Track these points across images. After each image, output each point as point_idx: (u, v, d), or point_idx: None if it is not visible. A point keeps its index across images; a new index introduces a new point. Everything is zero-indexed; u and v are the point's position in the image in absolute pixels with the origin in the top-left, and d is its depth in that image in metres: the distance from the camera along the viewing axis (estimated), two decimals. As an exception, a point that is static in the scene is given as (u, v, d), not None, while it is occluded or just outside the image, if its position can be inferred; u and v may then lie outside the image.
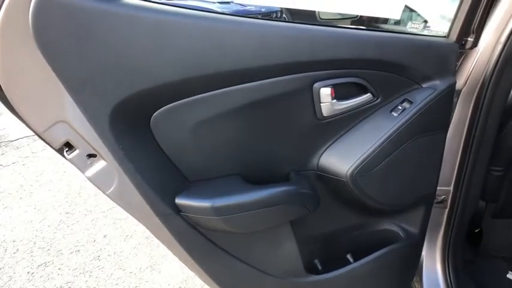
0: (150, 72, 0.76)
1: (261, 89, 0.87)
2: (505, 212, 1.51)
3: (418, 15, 2.20)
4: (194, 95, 0.83)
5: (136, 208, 0.87)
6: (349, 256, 1.16)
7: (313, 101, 0.93)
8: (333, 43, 0.89)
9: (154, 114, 0.82)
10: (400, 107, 0.99)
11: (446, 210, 1.35)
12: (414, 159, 1.05)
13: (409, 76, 1.00)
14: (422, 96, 1.00)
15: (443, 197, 1.33)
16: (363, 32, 0.94)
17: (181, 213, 0.87)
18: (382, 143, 0.97)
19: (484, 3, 0.98)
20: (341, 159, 0.99)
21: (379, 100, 0.99)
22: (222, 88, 0.84)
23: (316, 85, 0.91)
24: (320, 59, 0.89)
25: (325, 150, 1.01)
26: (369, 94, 0.97)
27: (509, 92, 1.19)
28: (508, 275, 1.58)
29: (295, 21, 0.87)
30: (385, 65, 0.95)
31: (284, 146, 0.98)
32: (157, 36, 0.75)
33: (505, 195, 1.44)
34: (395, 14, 0.98)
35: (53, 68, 0.69)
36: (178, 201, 0.86)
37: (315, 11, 1.87)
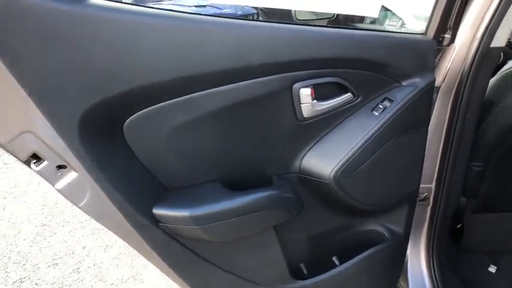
0: (121, 76, 0.72)
1: (239, 91, 0.84)
2: (485, 207, 1.53)
3: (394, 14, 2.21)
4: (169, 99, 0.80)
5: (112, 220, 0.83)
6: (334, 259, 1.14)
7: (293, 102, 0.91)
8: (311, 42, 0.87)
9: (127, 121, 0.78)
10: (381, 106, 0.98)
11: (429, 207, 1.35)
12: (397, 158, 1.04)
13: (388, 74, 0.99)
14: (403, 94, 0.99)
15: (425, 194, 1.33)
16: (342, 31, 0.92)
17: (160, 223, 0.84)
18: (365, 142, 0.95)
19: None
20: (323, 160, 0.97)
21: (359, 99, 0.97)
22: (198, 91, 0.80)
23: (295, 86, 0.89)
24: (299, 59, 0.87)
25: (307, 152, 0.99)
26: (349, 94, 0.96)
27: (487, 87, 1.20)
28: (489, 269, 1.59)
29: (273, 20, 0.85)
30: (365, 63, 0.94)
31: (265, 150, 0.96)
32: (127, 38, 0.71)
33: (485, 190, 1.46)
34: (373, 12, 0.97)
35: (14, 74, 0.64)
36: (156, 211, 0.83)
37: (291, 12, 1.86)
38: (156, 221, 0.83)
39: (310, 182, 1.00)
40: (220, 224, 0.85)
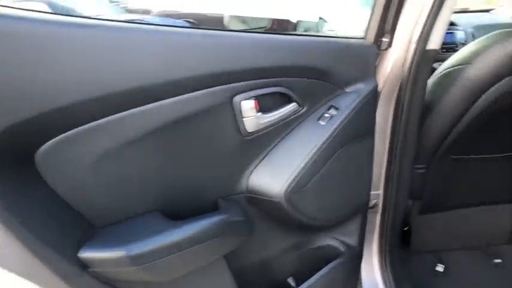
0: (29, 99, 0.60)
1: (173, 108, 0.74)
2: (430, 208, 1.55)
3: (326, 22, 2.24)
4: (92, 121, 0.68)
5: (30, 271, 0.69)
6: (290, 280, 1.07)
7: (235, 116, 0.83)
8: (250, 50, 0.80)
9: (39, 150, 0.65)
10: (326, 115, 0.94)
11: (379, 214, 1.33)
12: (346, 168, 1.00)
13: (332, 81, 0.95)
14: (347, 101, 0.95)
15: (374, 201, 1.30)
16: (282, 37, 0.86)
17: (89, 269, 0.71)
18: (314, 155, 0.90)
19: (396, 2, 0.97)
20: (272, 177, 0.90)
21: (305, 109, 0.92)
22: (125, 111, 0.69)
23: (236, 98, 0.81)
24: (238, 69, 0.79)
25: (253, 170, 0.92)
26: (294, 103, 0.90)
27: (425, 90, 1.21)
28: (437, 268, 1.61)
29: (207, 27, 0.77)
30: (308, 71, 0.89)
31: (207, 171, 0.86)
32: (33, 52, 0.59)
33: (430, 191, 1.48)
34: (313, 16, 0.92)
35: None
36: (83, 254, 0.70)
37: (223, 22, 1.78)
38: (84, 266, 0.70)
39: (259, 201, 0.92)
40: (163, 260, 0.74)
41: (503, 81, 1.18)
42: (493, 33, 1.24)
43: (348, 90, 0.98)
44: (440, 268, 1.62)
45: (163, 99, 0.72)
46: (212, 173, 0.87)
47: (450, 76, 1.25)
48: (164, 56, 0.70)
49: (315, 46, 0.90)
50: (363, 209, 1.14)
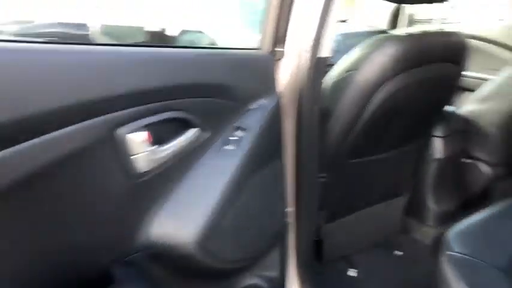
0: None
1: (35, 153, 0.52)
2: (335, 215, 1.54)
3: (206, 36, 2.12)
4: None
5: None
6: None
7: (120, 154, 0.64)
8: (131, 68, 0.62)
9: None
10: (234, 138, 0.81)
11: (293, 232, 1.25)
12: (261, 194, 0.89)
13: (233, 98, 0.83)
14: (253, 120, 0.85)
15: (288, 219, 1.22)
16: (169, 51, 0.70)
17: None
18: (225, 187, 0.76)
19: (286, 12, 0.90)
20: (179, 223, 0.73)
21: (208, 134, 0.77)
22: None
23: (119, 131, 0.62)
24: (117, 93, 0.61)
25: (154, 217, 0.73)
26: (195, 129, 0.74)
27: (321, 98, 1.17)
28: (350, 273, 1.61)
29: (73, 41, 0.56)
30: (204, 88, 0.75)
31: (91, 230, 0.65)
32: None
33: (333, 199, 1.46)
34: (196, 26, 0.79)
35: None
36: None
37: (87, 35, 1.50)
38: None
39: (166, 255, 0.74)
40: None
41: (388, 83, 1.22)
42: (373, 38, 1.28)
43: (251, 107, 0.87)
44: (352, 273, 1.62)
45: (20, 142, 0.49)
46: (97, 232, 0.66)
47: (342, 82, 1.25)
48: (15, 80, 0.48)
49: (210, 59, 0.76)
50: (282, 235, 1.04)
